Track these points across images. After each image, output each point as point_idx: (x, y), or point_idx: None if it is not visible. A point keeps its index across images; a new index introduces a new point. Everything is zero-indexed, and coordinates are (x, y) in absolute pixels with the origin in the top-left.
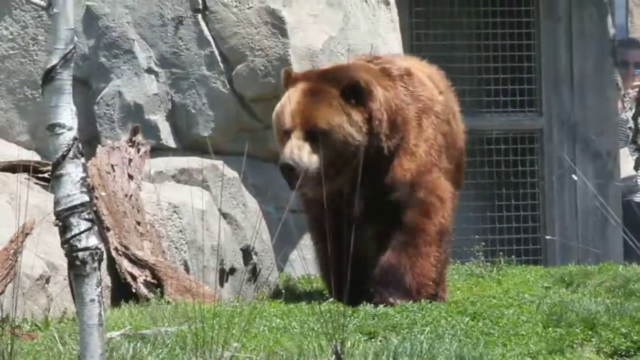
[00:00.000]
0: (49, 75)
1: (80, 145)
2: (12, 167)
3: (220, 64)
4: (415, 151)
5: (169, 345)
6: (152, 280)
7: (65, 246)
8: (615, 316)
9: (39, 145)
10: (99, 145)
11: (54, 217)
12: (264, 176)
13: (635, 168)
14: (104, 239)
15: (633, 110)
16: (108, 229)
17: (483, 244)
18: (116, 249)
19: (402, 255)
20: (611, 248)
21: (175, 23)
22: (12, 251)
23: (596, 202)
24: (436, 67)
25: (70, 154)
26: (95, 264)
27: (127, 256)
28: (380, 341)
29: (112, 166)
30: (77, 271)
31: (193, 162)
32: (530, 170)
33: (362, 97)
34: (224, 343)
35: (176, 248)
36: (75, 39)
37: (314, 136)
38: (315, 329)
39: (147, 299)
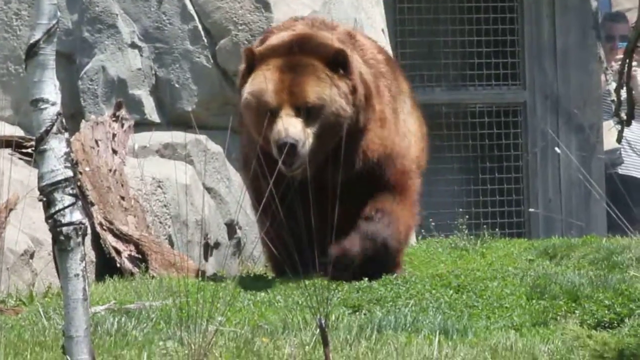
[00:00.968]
0: (32, 50)
1: (64, 120)
2: None
3: (204, 38)
4: (384, 118)
5: (154, 320)
6: (137, 255)
7: (50, 221)
8: (599, 288)
9: (22, 120)
10: (83, 120)
11: (37, 192)
12: None
13: (618, 140)
14: (88, 214)
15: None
16: (92, 204)
17: (467, 217)
18: (100, 224)
19: (392, 204)
20: (594, 221)
21: None
22: None
23: (579, 175)
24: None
25: (54, 129)
26: (80, 239)
27: (111, 231)
28: (364, 314)
29: (96, 141)
30: (61, 246)
31: (177, 136)
32: (514, 144)
33: (347, 68)
34: (208, 317)
35: (160, 223)
36: (59, 13)
37: (306, 112)
38: (300, 302)
39: (132, 274)
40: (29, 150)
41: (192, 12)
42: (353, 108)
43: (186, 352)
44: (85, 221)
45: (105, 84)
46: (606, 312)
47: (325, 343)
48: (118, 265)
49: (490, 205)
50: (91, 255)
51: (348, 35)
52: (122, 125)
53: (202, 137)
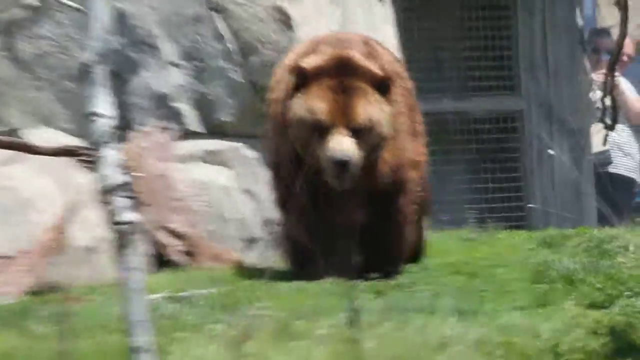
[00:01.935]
0: (85, 70)
1: (116, 131)
2: (60, 152)
3: (235, 56)
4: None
5: (203, 305)
6: (185, 250)
7: (109, 221)
8: (591, 273)
9: (82, 132)
10: (132, 132)
11: (98, 196)
12: None
13: (603, 143)
14: (142, 214)
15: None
16: (145, 205)
17: (474, 212)
18: (153, 223)
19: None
20: (586, 215)
21: (195, 21)
22: (61, 226)
23: (571, 174)
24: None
25: (109, 139)
26: (136, 236)
27: (162, 228)
28: (387, 299)
29: (145, 149)
30: (120, 242)
31: (217, 144)
32: (513, 147)
33: (390, 93)
34: (250, 303)
35: (205, 221)
36: (108, 36)
37: (356, 132)
38: (331, 289)
39: (182, 266)
40: (88, 158)
41: (224, 33)
42: (393, 132)
43: (231, 334)
44: (140, 220)
45: (150, 98)
46: (598, 293)
47: (355, 324)
48: (169, 259)
49: (493, 202)
50: (146, 250)
51: (365, 45)
52: (168, 135)
53: (239, 145)
